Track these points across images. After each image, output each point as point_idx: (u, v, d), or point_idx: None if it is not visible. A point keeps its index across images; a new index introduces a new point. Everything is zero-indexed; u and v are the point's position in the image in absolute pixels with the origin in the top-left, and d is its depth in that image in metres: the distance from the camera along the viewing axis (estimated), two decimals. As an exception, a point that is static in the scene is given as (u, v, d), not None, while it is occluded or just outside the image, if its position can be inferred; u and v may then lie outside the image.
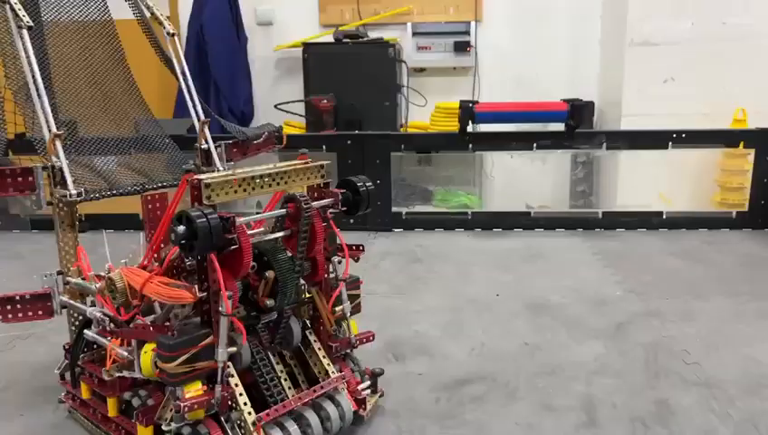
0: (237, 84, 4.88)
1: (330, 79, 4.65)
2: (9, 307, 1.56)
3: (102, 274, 1.53)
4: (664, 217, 3.30)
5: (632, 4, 4.08)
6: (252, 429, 1.30)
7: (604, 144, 3.26)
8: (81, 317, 1.56)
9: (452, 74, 4.95)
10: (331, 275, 1.52)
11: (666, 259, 2.89)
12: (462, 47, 4.81)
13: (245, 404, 1.32)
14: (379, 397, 1.62)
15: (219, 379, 1.27)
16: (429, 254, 3.05)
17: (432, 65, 4.89)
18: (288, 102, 4.96)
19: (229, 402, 1.31)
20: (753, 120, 3.67)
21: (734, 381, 1.76)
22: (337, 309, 1.52)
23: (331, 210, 1.47)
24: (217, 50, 4.69)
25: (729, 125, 4.09)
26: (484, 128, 3.50)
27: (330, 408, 1.43)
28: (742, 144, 3.21)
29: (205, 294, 1.26)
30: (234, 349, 1.28)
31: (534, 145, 3.29)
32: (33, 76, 1.57)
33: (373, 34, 4.85)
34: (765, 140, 3.22)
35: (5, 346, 2.08)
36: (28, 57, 1.56)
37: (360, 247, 1.56)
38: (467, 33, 4.83)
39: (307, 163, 1.46)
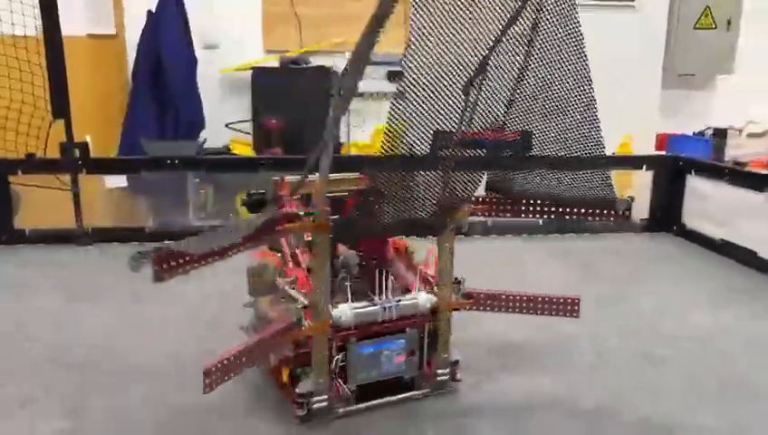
0: (192, 99, 5.16)
1: (276, 100, 5.14)
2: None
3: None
4: (587, 224, 4.16)
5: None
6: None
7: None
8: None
9: (385, 99, 5.59)
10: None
11: (600, 257, 3.73)
12: (395, 76, 5.47)
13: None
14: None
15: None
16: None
17: (368, 90, 5.51)
18: (239, 122, 5.38)
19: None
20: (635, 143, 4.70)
21: (685, 338, 2.57)
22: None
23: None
24: (176, 67, 4.97)
25: (617, 147, 5.12)
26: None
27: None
28: (644, 167, 4.16)
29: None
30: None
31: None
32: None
33: (315, 61, 5.39)
34: (660, 164, 4.19)
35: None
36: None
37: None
38: (400, 63, 5.48)
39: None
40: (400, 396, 2.02)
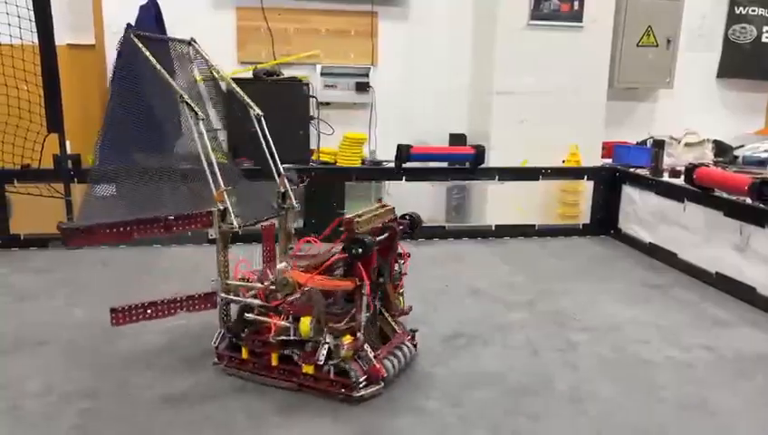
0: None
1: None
2: (188, 302, 2.35)
3: (251, 275, 2.40)
4: (536, 228, 4.64)
5: (497, 61, 5.43)
6: (374, 360, 2.28)
7: (497, 177, 4.53)
8: (239, 306, 2.40)
9: (352, 108, 5.98)
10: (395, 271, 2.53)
11: (543, 257, 4.20)
12: (362, 87, 5.86)
13: (368, 347, 2.29)
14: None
15: (360, 333, 2.24)
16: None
17: (337, 100, 5.89)
18: (214, 130, 5.69)
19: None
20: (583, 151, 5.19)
21: (603, 328, 3.03)
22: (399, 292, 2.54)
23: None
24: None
25: (566, 156, 5.58)
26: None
27: (405, 348, 2.45)
28: (586, 177, 4.65)
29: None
30: (368, 315, 2.26)
31: (449, 177, 4.51)
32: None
33: (287, 72, 5.75)
34: (599, 175, 4.68)
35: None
36: (203, 141, 2.36)
37: (408, 255, 2.57)
38: (367, 75, 5.88)
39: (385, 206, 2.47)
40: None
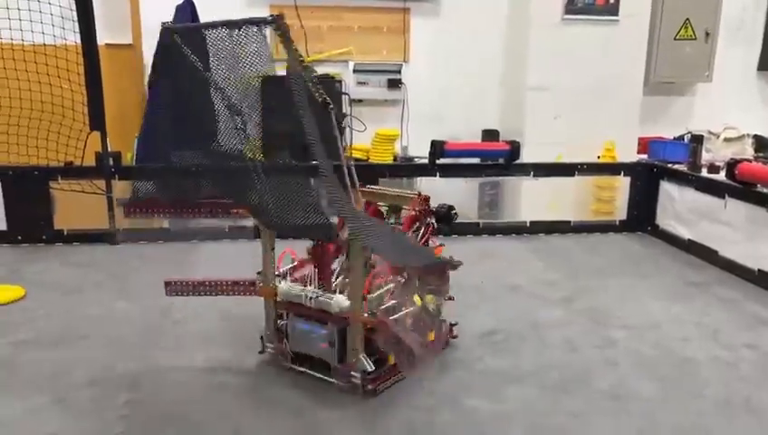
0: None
1: (284, 107, 5.49)
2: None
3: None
4: (571, 224, 4.60)
5: (530, 57, 5.39)
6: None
7: (532, 173, 4.51)
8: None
9: (384, 105, 5.98)
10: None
11: (579, 254, 4.17)
12: (394, 84, 5.87)
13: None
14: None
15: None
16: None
17: (368, 97, 5.90)
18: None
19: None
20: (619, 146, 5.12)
21: (642, 325, 3.00)
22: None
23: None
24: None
25: (601, 152, 5.52)
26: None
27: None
28: (622, 173, 4.60)
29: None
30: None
31: (483, 173, 4.49)
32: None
33: (320, 70, 5.77)
34: (636, 170, 4.62)
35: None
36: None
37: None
38: (399, 72, 5.88)
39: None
40: (319, 375, 2.41)
